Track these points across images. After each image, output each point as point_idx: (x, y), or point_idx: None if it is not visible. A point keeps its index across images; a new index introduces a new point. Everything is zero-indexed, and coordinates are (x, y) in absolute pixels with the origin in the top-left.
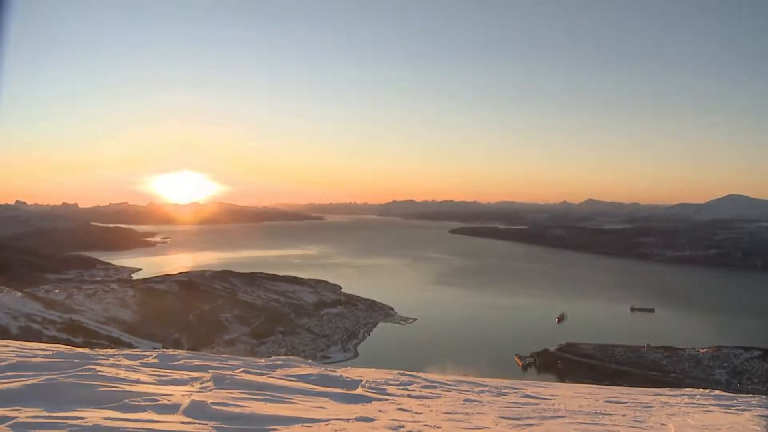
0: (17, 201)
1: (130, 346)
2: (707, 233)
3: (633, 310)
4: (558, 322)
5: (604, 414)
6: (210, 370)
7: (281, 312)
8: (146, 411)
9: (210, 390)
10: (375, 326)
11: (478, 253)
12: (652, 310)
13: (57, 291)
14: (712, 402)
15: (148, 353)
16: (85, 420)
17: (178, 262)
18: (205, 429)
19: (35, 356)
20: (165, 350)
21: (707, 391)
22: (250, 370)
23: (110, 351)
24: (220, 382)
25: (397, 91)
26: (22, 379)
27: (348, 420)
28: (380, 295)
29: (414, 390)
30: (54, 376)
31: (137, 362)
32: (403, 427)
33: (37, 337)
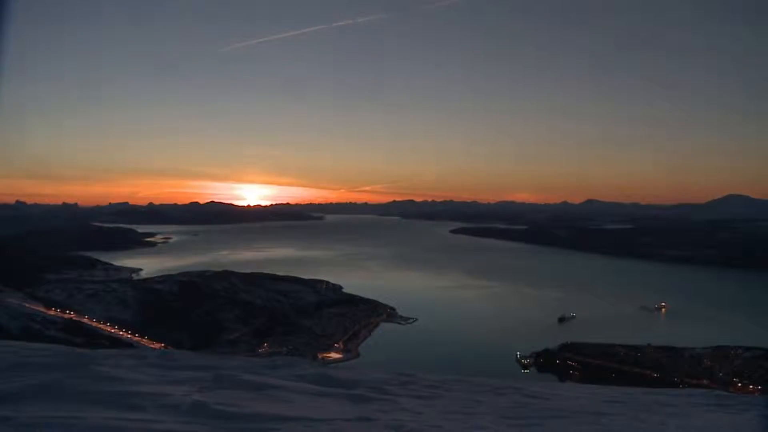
0: (17, 201)
1: (130, 345)
2: (707, 233)
3: (642, 308)
4: (559, 321)
5: (605, 414)
6: (210, 370)
7: (282, 312)
8: (147, 411)
9: (210, 390)
10: (376, 326)
11: (478, 253)
12: (656, 309)
13: (57, 291)
14: (713, 402)
15: (148, 353)
16: (85, 420)
17: (179, 262)
18: (205, 429)
19: (35, 356)
20: (165, 350)
21: (707, 391)
22: (250, 370)
23: (110, 351)
24: (220, 382)
25: (398, 92)
26: (22, 379)
27: (348, 420)
28: (381, 295)
29: (414, 390)
30: (54, 376)
31: (138, 362)
32: (403, 426)
33: (37, 337)
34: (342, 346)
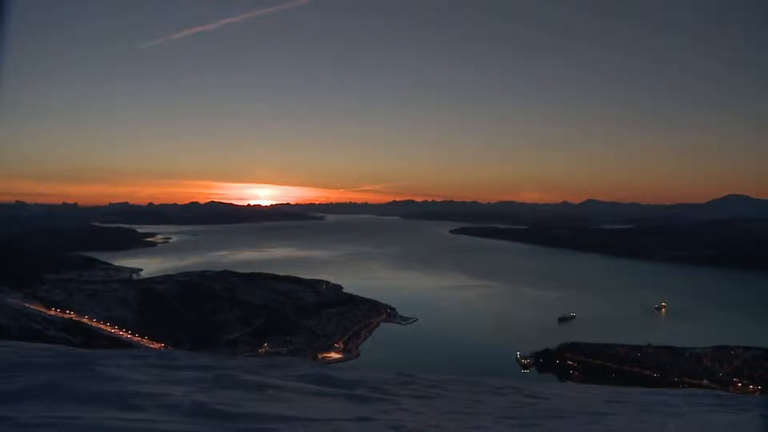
0: (17, 201)
1: (130, 345)
2: (707, 233)
3: (642, 308)
4: (559, 321)
5: (605, 414)
6: (210, 370)
7: (282, 312)
8: (147, 411)
9: (210, 390)
10: (376, 326)
11: (478, 253)
12: (656, 309)
13: (57, 291)
14: (713, 402)
15: (148, 353)
16: (85, 420)
17: (179, 262)
18: (205, 429)
19: (35, 356)
20: (165, 350)
21: (708, 391)
22: (250, 370)
23: (110, 351)
24: (220, 382)
25: (398, 92)
26: (22, 379)
27: (348, 420)
28: (381, 295)
29: (414, 390)
30: (54, 376)
31: (138, 362)
32: (403, 426)
33: (37, 337)
34: (342, 346)
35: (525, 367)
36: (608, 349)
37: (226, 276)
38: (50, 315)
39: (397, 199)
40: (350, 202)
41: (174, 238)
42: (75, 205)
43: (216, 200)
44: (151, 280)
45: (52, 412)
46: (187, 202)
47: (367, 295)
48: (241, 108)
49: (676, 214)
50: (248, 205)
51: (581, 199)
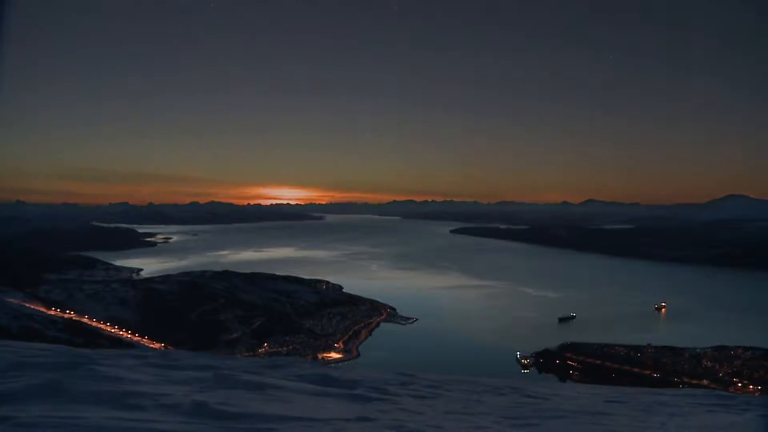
0: (17, 201)
1: (130, 345)
2: (707, 233)
3: (643, 308)
4: (559, 321)
5: (605, 414)
6: (210, 370)
7: (282, 312)
8: (147, 411)
9: (210, 390)
10: (376, 326)
11: (479, 253)
12: (656, 309)
13: (57, 291)
14: (713, 402)
15: (148, 353)
16: (85, 420)
17: (179, 262)
18: (205, 429)
19: (35, 356)
20: (165, 350)
21: (708, 391)
22: (250, 370)
23: (110, 351)
24: (220, 382)
25: (398, 93)
26: (22, 379)
27: (348, 420)
28: (381, 295)
29: (414, 390)
30: (54, 376)
31: (138, 362)
32: (403, 426)
33: (37, 337)
34: (342, 346)
35: (525, 367)
36: (608, 349)
37: (226, 276)
38: (50, 315)
39: (397, 199)
40: (350, 202)
41: (174, 238)
42: (75, 205)
43: (216, 200)
44: (151, 280)
45: (52, 412)
46: (187, 202)
47: (367, 295)
48: (241, 108)
49: (676, 214)
50: (248, 204)
51: (581, 199)
